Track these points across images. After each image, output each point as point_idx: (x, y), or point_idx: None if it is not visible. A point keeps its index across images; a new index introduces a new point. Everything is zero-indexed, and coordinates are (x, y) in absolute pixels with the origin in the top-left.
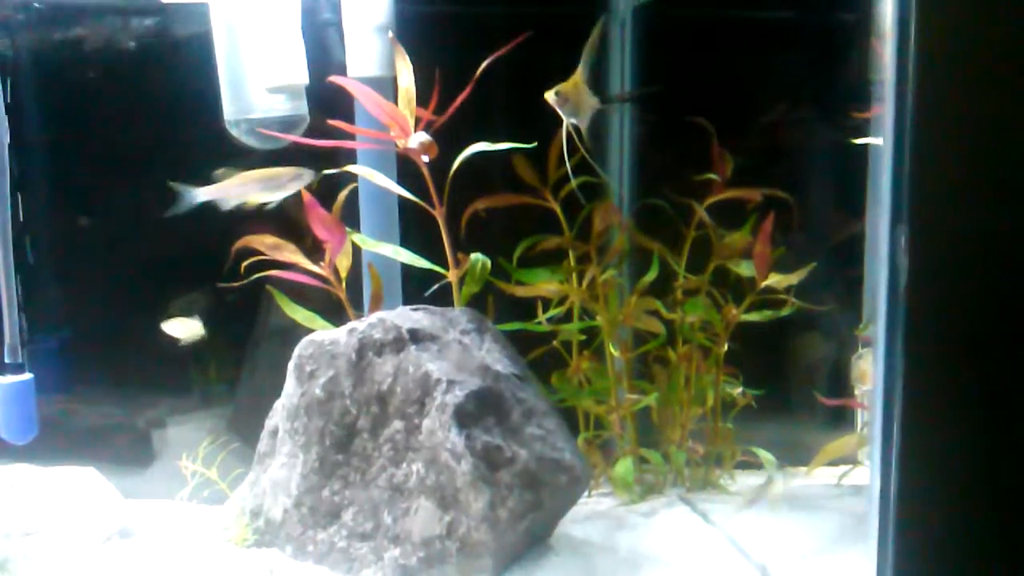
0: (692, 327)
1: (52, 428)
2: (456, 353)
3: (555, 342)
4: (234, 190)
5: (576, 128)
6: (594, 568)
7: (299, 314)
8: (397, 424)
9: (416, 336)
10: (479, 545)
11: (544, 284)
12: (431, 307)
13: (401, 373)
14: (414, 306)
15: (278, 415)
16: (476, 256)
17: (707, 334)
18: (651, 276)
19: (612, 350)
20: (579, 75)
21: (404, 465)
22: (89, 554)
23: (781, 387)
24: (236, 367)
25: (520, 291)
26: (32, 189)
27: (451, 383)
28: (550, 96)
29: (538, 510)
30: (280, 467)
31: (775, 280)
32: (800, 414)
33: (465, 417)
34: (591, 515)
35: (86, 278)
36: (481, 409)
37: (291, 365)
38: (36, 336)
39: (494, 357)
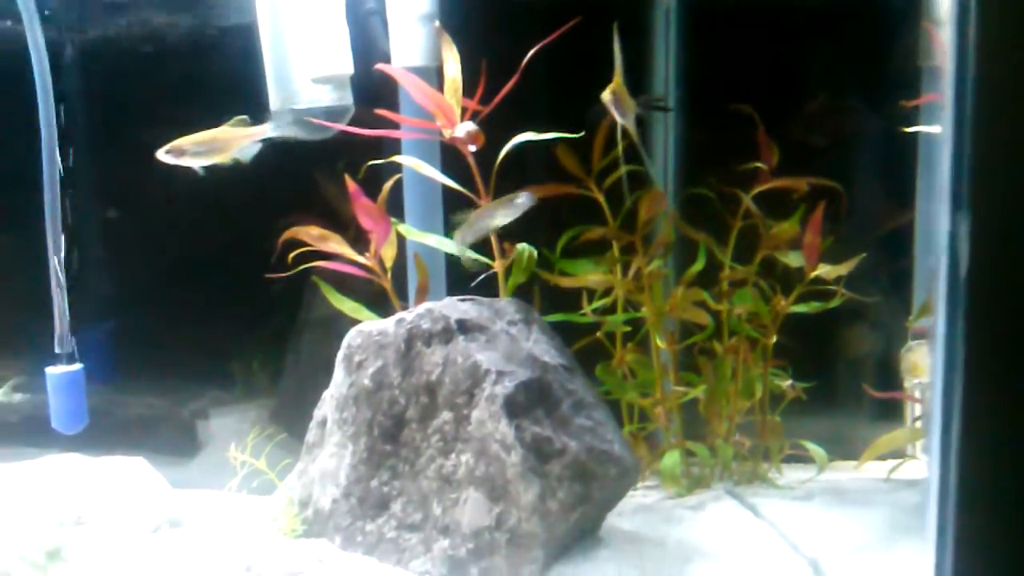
0: (740, 318)
1: (99, 418)
2: (504, 344)
3: (599, 333)
4: (475, 224)
5: (623, 128)
6: (644, 562)
7: (345, 305)
8: (446, 414)
9: (464, 326)
10: (529, 537)
11: (588, 275)
12: (478, 297)
13: (450, 364)
14: (461, 296)
15: (327, 405)
16: (522, 246)
17: (754, 325)
18: (698, 266)
19: (658, 342)
20: (618, 77)
21: (453, 456)
22: (140, 543)
23: (828, 380)
24: (279, 359)
25: (564, 282)
26: (79, 179)
27: (500, 374)
28: (607, 96)
29: (588, 502)
30: (329, 457)
31: (824, 270)
32: (848, 407)
33: (515, 408)
34: (638, 508)
35: (133, 269)
36: (530, 400)
37: (340, 355)
38: (83, 327)
39: (542, 348)
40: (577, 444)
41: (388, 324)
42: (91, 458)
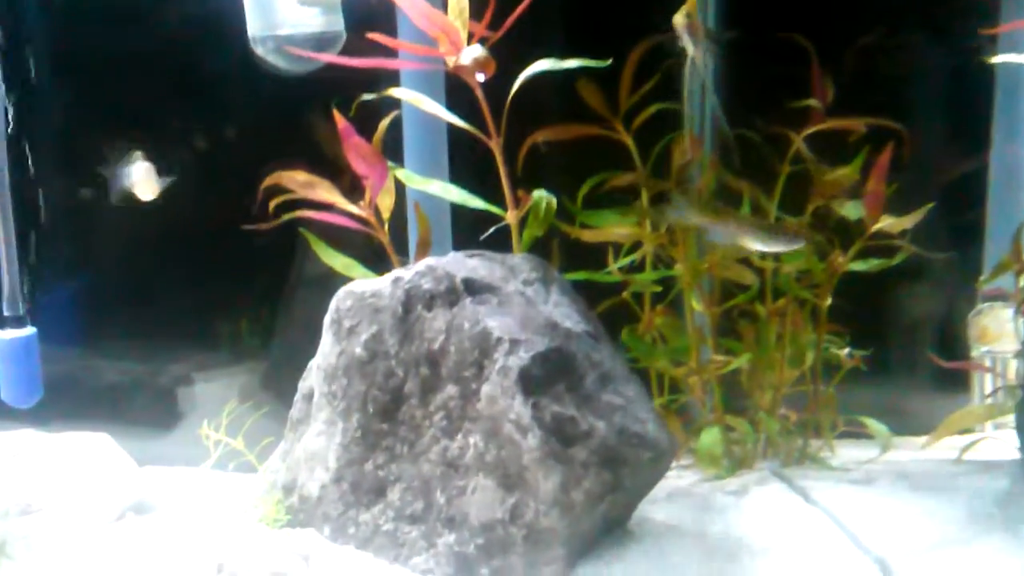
0: (789, 277)
1: (63, 388)
2: (519, 307)
3: (625, 294)
4: (727, 227)
5: (692, 60)
6: (683, 559)
7: (337, 261)
8: (451, 389)
9: (472, 286)
10: (549, 532)
11: (615, 227)
12: (488, 253)
13: (455, 330)
14: (468, 252)
15: (313, 376)
16: (540, 193)
17: (805, 285)
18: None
19: (694, 303)
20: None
21: (459, 437)
22: (99, 534)
23: (884, 346)
24: (270, 320)
25: (587, 235)
26: (43, 134)
27: (514, 343)
28: (679, 20)
29: (617, 492)
30: (316, 436)
31: (886, 223)
32: (908, 378)
33: (531, 383)
34: (672, 493)
35: (102, 222)
36: (550, 374)
37: (327, 319)
38: (47, 285)
39: (563, 312)
40: (605, 425)
41: (383, 284)
42: (45, 434)
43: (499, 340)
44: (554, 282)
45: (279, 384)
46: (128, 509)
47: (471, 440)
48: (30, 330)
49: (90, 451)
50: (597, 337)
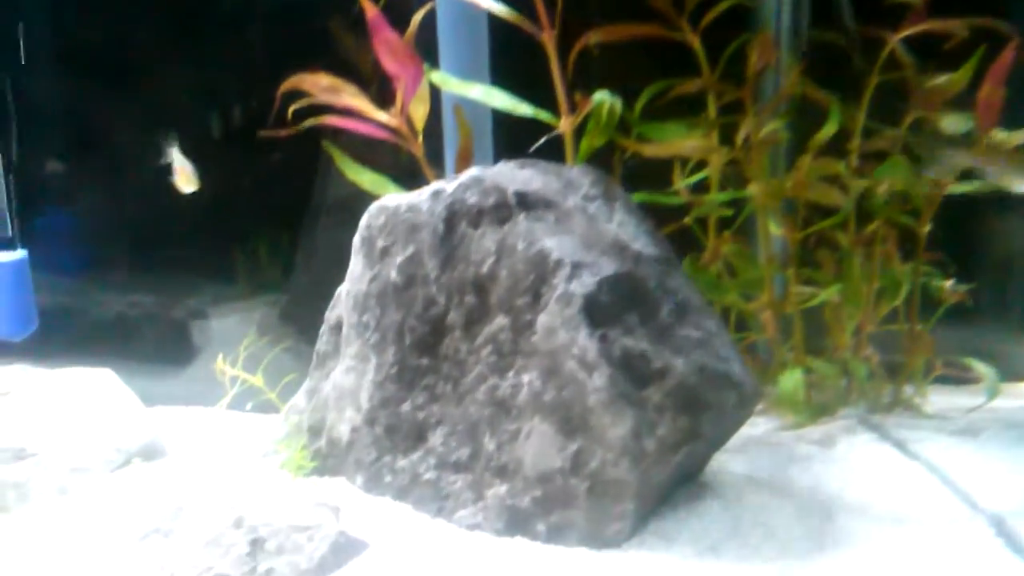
0: (882, 199)
1: (61, 321)
2: (581, 225)
3: (687, 219)
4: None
5: None
6: (772, 516)
7: (364, 177)
8: (501, 320)
9: (526, 201)
10: (617, 485)
11: (681, 141)
12: (541, 162)
13: (507, 251)
14: (519, 160)
15: (342, 305)
16: (602, 95)
17: (901, 209)
18: (830, 129)
19: (772, 227)
20: None
21: (511, 375)
22: (102, 482)
23: (985, 281)
24: (290, 248)
25: (649, 150)
26: (44, 51)
27: (577, 266)
28: None
29: (695, 440)
30: (346, 372)
31: (1000, 137)
32: (1004, 318)
33: (598, 312)
34: (747, 443)
35: (106, 138)
36: (619, 302)
37: (357, 239)
38: (47, 207)
39: (629, 232)
40: (684, 363)
41: (421, 198)
42: (41, 371)
43: (559, 263)
44: (618, 199)
45: (299, 318)
46: (134, 454)
47: (525, 378)
48: (20, 253)
49: (91, 389)
50: (670, 263)
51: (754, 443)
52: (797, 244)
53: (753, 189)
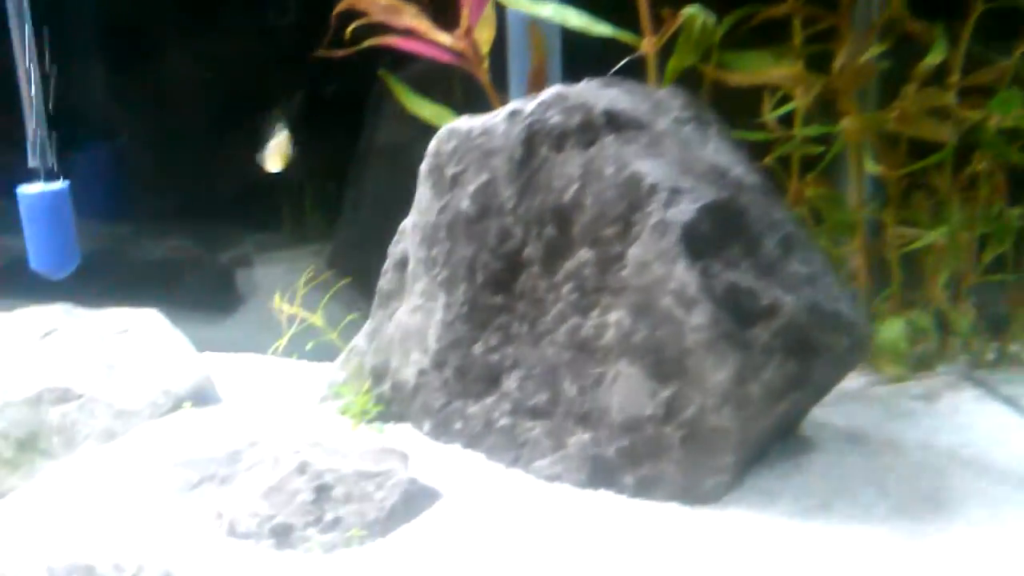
0: (994, 135)
1: (107, 264)
2: (674, 149)
3: (768, 159)
4: None
5: None
6: (881, 475)
7: (425, 109)
8: (585, 253)
9: (615, 121)
10: (716, 435)
11: (768, 69)
12: (626, 81)
13: (593, 177)
14: (603, 79)
15: (408, 239)
16: (693, 9)
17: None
18: (936, 56)
19: (868, 165)
20: None
21: (595, 313)
22: (149, 427)
23: None
24: (338, 194)
25: (735, 78)
26: None
27: (675, 192)
28: None
29: (802, 387)
30: (412, 312)
31: None
32: None
33: (699, 243)
34: (842, 397)
35: (153, 70)
36: (721, 232)
37: (424, 167)
38: (86, 144)
39: (727, 159)
40: (794, 301)
41: (496, 119)
42: (84, 310)
43: (654, 188)
44: (712, 124)
45: (348, 265)
46: (184, 398)
47: (612, 317)
48: (61, 184)
49: (138, 329)
50: (772, 192)
51: (849, 397)
52: (897, 183)
53: (848, 123)
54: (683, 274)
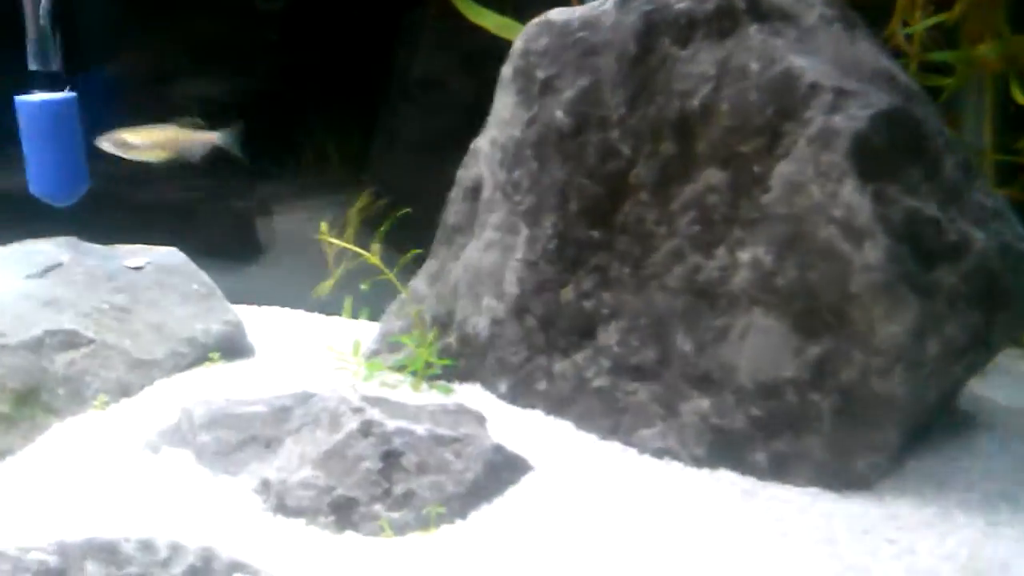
0: None
1: (113, 205)
2: (830, 46)
3: None
4: None
5: None
6: None
7: (488, 20)
8: (714, 174)
9: (758, 8)
10: (880, 403)
11: None
12: None
13: (732, 75)
14: None
15: (481, 161)
16: None
17: None
18: None
19: (1018, 95)
20: None
21: (721, 251)
22: (171, 381)
23: None
24: (364, 140)
25: None
26: None
27: (842, 94)
28: None
29: (985, 345)
30: (485, 249)
31: None
32: None
33: (872, 159)
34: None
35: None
36: (898, 147)
37: (506, 71)
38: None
39: (888, 63)
40: (984, 237)
41: (603, 8)
42: (93, 245)
43: (815, 88)
44: (858, 24)
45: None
46: (212, 348)
47: (745, 255)
48: (66, 93)
49: (157, 268)
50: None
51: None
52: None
53: (984, 50)
54: (852, 197)
